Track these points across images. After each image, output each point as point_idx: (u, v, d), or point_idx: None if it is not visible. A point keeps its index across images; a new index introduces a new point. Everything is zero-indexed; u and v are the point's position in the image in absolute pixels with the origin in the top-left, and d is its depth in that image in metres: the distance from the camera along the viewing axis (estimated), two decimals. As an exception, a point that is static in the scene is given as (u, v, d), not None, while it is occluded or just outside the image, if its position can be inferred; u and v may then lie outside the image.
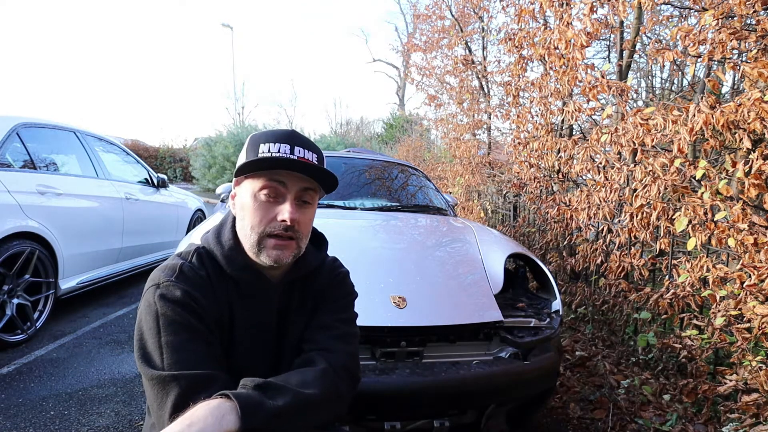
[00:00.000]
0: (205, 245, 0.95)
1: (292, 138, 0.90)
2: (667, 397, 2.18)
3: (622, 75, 3.21)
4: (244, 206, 0.90)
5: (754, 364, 1.87)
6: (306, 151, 0.90)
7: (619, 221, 2.79)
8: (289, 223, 0.86)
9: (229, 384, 0.80)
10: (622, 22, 3.17)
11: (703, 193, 2.07)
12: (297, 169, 0.87)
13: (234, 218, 0.95)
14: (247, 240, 0.89)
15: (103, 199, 3.44)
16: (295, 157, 0.87)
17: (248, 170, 0.88)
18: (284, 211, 0.87)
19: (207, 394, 0.74)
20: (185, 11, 48.80)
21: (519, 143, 4.12)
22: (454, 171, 6.50)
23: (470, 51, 6.49)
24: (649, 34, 3.91)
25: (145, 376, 0.79)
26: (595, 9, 2.85)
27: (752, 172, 1.86)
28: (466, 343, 1.63)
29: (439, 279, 1.77)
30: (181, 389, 0.76)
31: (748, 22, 2.18)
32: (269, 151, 0.87)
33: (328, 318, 0.98)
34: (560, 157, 3.45)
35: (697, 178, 2.18)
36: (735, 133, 2.05)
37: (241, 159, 0.92)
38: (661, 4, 2.72)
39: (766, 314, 1.79)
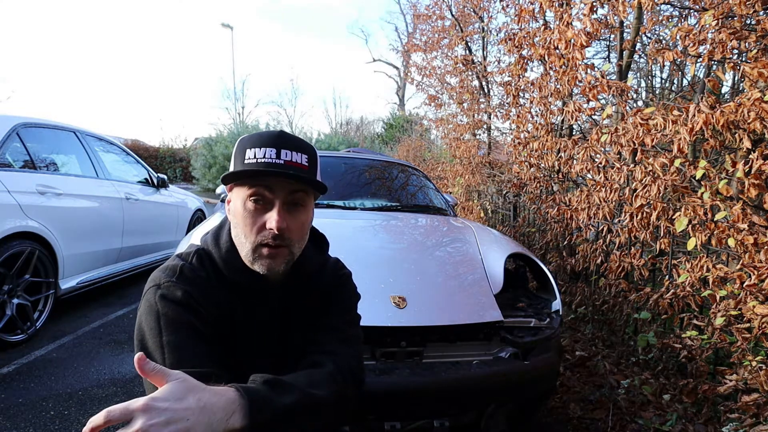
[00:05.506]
0: (204, 247, 0.95)
1: (279, 141, 0.88)
2: (667, 397, 2.18)
3: (622, 75, 3.21)
4: (236, 213, 0.90)
5: (754, 364, 1.87)
6: (294, 153, 0.88)
7: (619, 221, 2.79)
8: (276, 232, 0.85)
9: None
10: (622, 22, 3.17)
11: (703, 193, 2.07)
12: (282, 176, 0.86)
13: None
14: (242, 248, 0.89)
15: (103, 199, 3.44)
16: (282, 161, 0.86)
17: (233, 180, 0.88)
18: (271, 220, 0.85)
19: None
20: (185, 11, 48.87)
21: (519, 143, 4.12)
22: (454, 171, 6.50)
23: (470, 51, 6.49)
24: (649, 34, 3.90)
25: None
26: (595, 9, 2.85)
27: (752, 172, 1.86)
28: (466, 343, 1.63)
29: (439, 279, 1.77)
30: None
31: (748, 22, 2.17)
32: (254, 156, 0.86)
33: (333, 320, 0.98)
34: (560, 157, 3.45)
35: (697, 178, 2.18)
36: (735, 133, 2.05)
37: (231, 164, 0.91)
38: (661, 4, 2.72)
39: (766, 314, 1.79)
